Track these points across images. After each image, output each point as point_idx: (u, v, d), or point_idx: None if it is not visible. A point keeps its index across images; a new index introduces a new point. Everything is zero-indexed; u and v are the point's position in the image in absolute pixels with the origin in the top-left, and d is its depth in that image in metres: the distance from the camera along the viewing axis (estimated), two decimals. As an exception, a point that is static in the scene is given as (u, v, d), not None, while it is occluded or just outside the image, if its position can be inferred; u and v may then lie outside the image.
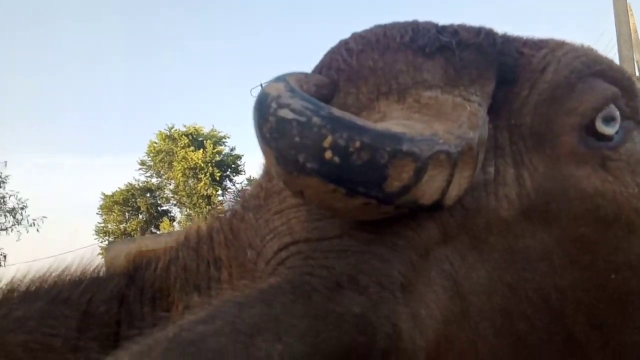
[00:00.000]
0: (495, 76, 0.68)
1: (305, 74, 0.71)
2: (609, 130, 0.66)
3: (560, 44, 0.74)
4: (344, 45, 0.75)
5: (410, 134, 0.56)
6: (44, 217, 18.39)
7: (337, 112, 0.56)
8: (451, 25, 0.73)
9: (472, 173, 0.60)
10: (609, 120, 0.66)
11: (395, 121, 0.61)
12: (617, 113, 0.67)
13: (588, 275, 0.63)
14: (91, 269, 0.80)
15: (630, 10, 9.84)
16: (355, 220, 0.61)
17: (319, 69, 0.76)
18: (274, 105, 0.56)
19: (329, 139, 0.53)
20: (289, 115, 0.54)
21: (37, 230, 18.30)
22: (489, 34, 0.72)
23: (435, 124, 0.60)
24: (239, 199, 0.84)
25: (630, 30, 7.59)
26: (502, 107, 0.68)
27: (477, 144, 0.60)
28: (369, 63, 0.70)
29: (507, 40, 0.73)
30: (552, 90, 0.67)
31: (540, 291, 0.62)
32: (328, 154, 0.53)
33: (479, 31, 0.72)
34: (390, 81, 0.68)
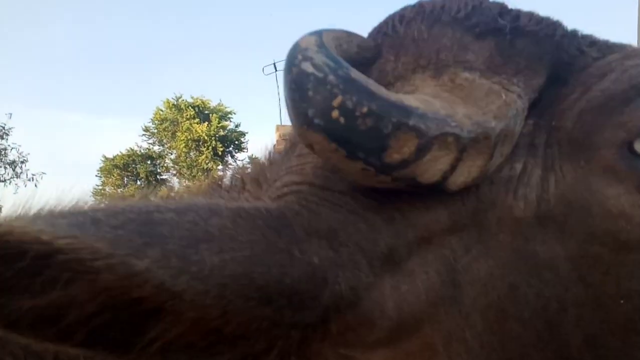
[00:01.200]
0: (547, 71, 0.65)
1: (349, 33, 0.69)
2: None
3: (638, 53, 0.68)
4: (400, 10, 0.73)
5: (422, 110, 0.54)
6: (43, 173, 18.38)
7: (354, 73, 0.55)
8: (517, 10, 0.69)
9: (484, 163, 0.58)
10: None
11: (419, 95, 0.59)
12: None
13: (595, 295, 0.61)
14: None
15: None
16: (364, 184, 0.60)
17: (372, 32, 0.75)
18: (299, 57, 0.56)
19: (339, 99, 0.53)
20: (309, 69, 0.54)
21: (35, 186, 18.30)
22: (551, 24, 0.68)
23: (459, 106, 0.58)
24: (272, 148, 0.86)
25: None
26: (548, 105, 0.65)
27: (496, 135, 0.58)
28: (414, 33, 0.68)
29: (570, 35, 0.69)
30: (605, 100, 0.63)
31: (541, 298, 0.61)
32: (335, 114, 0.53)
33: (540, 20, 0.68)
34: (430, 55, 0.66)
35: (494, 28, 0.66)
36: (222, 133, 29.39)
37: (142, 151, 30.93)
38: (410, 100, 0.56)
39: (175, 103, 29.63)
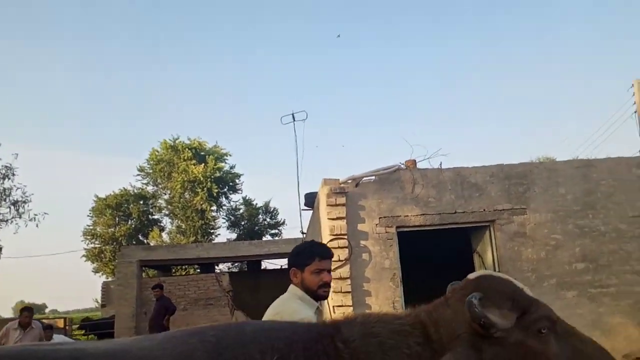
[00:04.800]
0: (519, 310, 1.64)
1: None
2: None
3: None
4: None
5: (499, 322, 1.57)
6: (45, 213, 18.23)
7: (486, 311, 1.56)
8: None
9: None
10: None
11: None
12: None
13: None
14: None
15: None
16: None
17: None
18: (475, 301, 1.52)
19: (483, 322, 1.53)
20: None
21: (37, 226, 18.13)
22: None
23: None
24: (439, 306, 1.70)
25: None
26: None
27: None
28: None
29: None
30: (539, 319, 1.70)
31: None
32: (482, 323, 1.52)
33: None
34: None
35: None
36: (217, 174, 29.66)
37: (136, 191, 30.86)
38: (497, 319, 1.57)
39: (173, 144, 29.90)
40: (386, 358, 1.38)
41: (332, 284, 2.57)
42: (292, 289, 2.51)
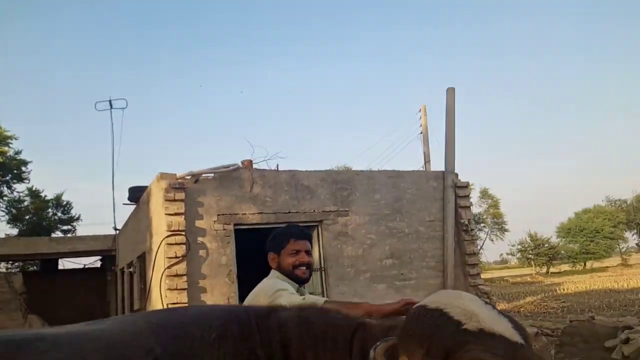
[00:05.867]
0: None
1: None
2: None
3: None
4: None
5: None
6: None
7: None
8: None
9: None
10: None
11: None
12: None
13: None
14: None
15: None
16: None
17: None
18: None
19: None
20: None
21: None
22: None
23: None
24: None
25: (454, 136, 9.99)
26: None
27: None
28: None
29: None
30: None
31: None
32: None
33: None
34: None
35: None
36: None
37: None
38: None
39: (-62, 120, 24.73)
40: (309, 344, 1.44)
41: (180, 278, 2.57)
42: (272, 272, 2.51)
